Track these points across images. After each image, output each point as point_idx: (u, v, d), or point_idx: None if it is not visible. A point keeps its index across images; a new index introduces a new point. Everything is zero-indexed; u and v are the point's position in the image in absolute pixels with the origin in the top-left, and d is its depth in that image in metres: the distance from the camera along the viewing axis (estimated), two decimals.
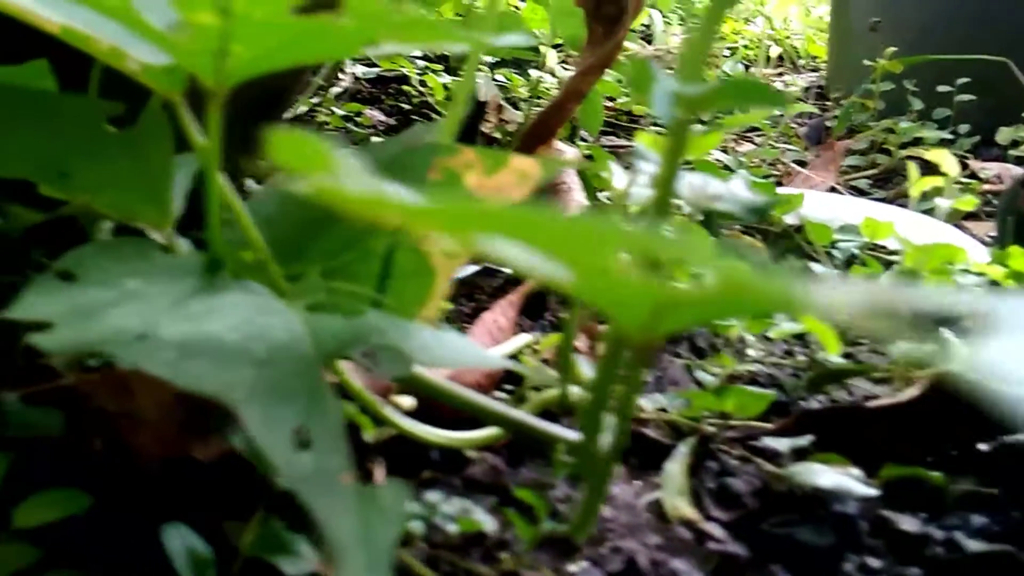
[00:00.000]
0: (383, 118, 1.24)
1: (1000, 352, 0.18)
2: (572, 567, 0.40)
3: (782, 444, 0.48)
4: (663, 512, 0.44)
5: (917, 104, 1.34)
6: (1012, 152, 1.31)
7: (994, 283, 0.67)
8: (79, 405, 0.39)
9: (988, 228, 1.02)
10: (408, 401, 0.42)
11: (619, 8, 0.69)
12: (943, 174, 0.89)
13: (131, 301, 0.33)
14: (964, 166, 1.22)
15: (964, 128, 1.33)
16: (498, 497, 0.44)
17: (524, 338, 0.52)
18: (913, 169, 0.76)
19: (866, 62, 1.36)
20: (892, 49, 1.32)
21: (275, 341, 0.32)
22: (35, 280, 0.33)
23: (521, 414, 0.38)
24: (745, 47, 1.94)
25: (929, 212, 1.05)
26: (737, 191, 0.35)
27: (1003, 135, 1.35)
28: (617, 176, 0.45)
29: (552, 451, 0.47)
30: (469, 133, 0.94)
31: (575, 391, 0.43)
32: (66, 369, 0.44)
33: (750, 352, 0.64)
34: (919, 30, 1.42)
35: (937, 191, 1.04)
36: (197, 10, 0.29)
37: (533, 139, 0.82)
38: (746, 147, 1.37)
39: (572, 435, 0.37)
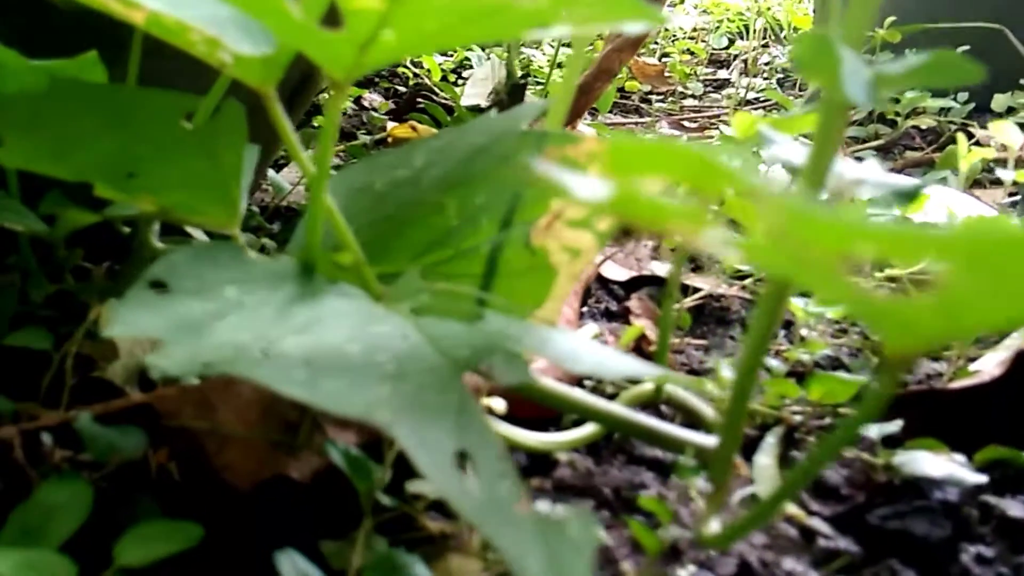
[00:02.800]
0: (382, 100, 1.20)
1: None
2: (682, 572, 0.39)
3: (872, 431, 0.46)
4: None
5: None
6: (1009, 118, 1.30)
7: None
8: (158, 424, 0.37)
9: (994, 195, 1.01)
10: (500, 405, 0.39)
11: None
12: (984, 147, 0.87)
13: (235, 312, 0.30)
14: (970, 135, 1.22)
15: (962, 96, 1.32)
16: (593, 499, 0.42)
17: (592, 328, 0.50)
18: (963, 142, 0.74)
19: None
20: (891, 18, 1.31)
21: (398, 352, 0.29)
22: (129, 293, 0.30)
23: (641, 417, 0.36)
24: (729, 20, 1.92)
25: (943, 181, 1.04)
26: (879, 175, 0.33)
27: (998, 102, 1.35)
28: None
29: (640, 449, 0.45)
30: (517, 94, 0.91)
31: (670, 388, 0.41)
32: (127, 384, 0.41)
33: (803, 332, 0.62)
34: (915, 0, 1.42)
35: (951, 160, 1.03)
36: None
37: (590, 86, 0.78)
38: None
39: (700, 438, 0.35)
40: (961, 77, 0.29)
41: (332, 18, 0.28)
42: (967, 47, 1.31)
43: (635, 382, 0.44)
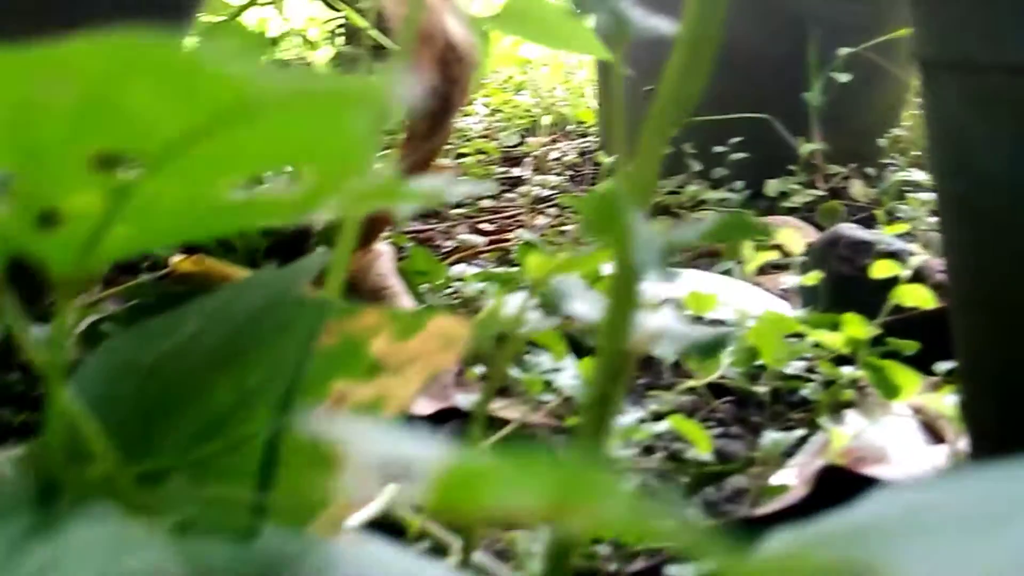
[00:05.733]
0: None
1: None
2: None
3: (686, 572, 0.45)
4: None
5: (695, 166, 1.40)
6: (782, 204, 1.39)
7: (838, 357, 0.68)
8: None
9: (776, 281, 1.06)
10: None
11: (445, 103, 0.66)
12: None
13: None
14: None
15: (739, 185, 1.39)
16: None
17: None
18: (748, 247, 0.77)
19: None
20: None
21: None
22: None
23: None
24: (518, 117, 1.97)
25: (727, 272, 1.09)
26: (679, 327, 0.32)
27: (771, 187, 1.43)
28: (510, 301, 0.41)
29: None
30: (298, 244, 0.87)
31: None
32: None
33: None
34: None
35: (735, 251, 1.08)
36: (74, 191, 0.22)
37: (356, 242, 0.76)
38: (540, 220, 1.38)
39: None
40: (747, 235, 0.28)
41: None
42: (739, 138, 1.39)
43: None
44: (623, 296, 0.28)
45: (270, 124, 0.16)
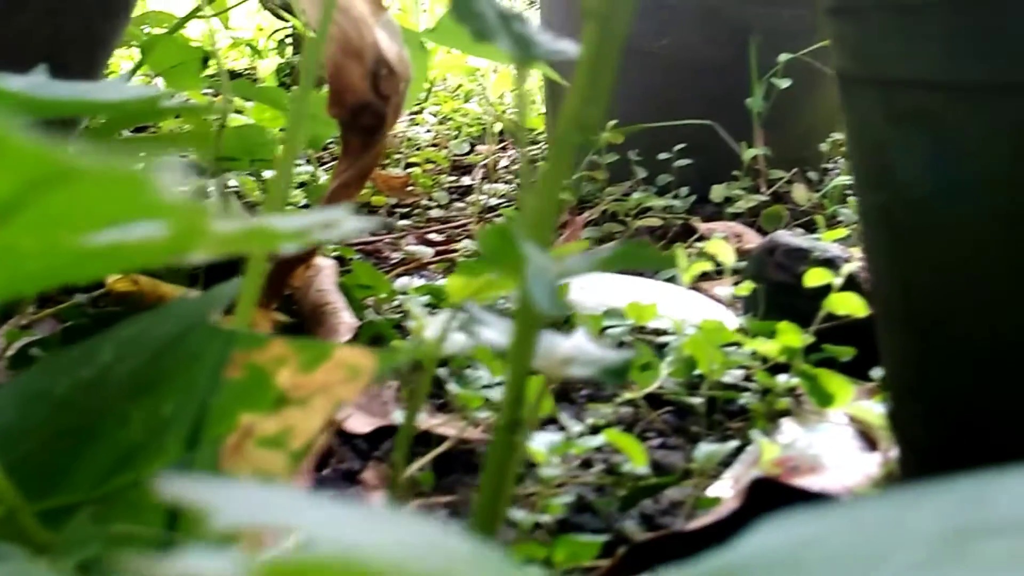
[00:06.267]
0: None
1: None
2: None
3: None
4: None
5: (641, 172, 1.41)
6: (727, 209, 1.40)
7: (775, 365, 0.69)
8: None
9: (719, 286, 1.07)
10: None
11: (377, 118, 0.65)
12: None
13: None
14: (692, 231, 1.29)
15: (684, 191, 1.40)
16: None
17: None
18: (682, 256, 0.77)
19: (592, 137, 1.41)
20: (613, 122, 1.38)
21: None
22: None
23: None
24: (468, 125, 1.97)
25: (671, 280, 1.09)
26: (590, 350, 0.32)
27: (716, 192, 1.44)
28: (430, 324, 0.41)
29: None
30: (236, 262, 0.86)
31: None
32: None
33: (547, 472, 0.61)
34: (633, 101, 1.50)
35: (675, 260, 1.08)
36: None
37: (294, 259, 0.76)
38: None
39: None
40: (645, 264, 0.28)
41: None
42: (684, 144, 1.40)
43: None
44: (526, 324, 0.28)
45: (83, 189, 0.16)
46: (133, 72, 1.14)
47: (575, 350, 0.32)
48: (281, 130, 1.46)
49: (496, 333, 0.32)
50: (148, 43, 1.11)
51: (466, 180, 1.71)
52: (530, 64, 0.31)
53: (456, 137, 1.91)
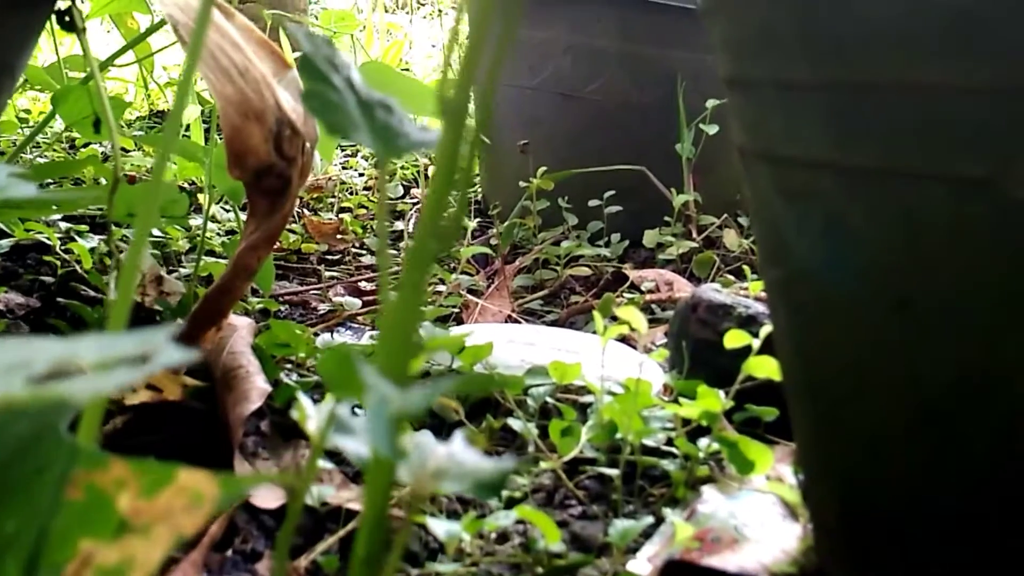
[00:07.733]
0: (22, 300, 1.07)
1: None
2: None
3: None
4: None
5: (572, 219, 1.40)
6: (659, 255, 1.39)
7: (698, 428, 0.67)
8: None
9: (650, 337, 1.06)
10: None
11: (282, 180, 0.63)
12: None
13: None
14: (624, 278, 1.28)
15: (616, 237, 1.40)
16: None
17: None
18: (599, 321, 0.76)
19: (522, 183, 1.41)
20: (543, 168, 1.38)
21: None
22: None
23: None
24: (403, 168, 1.95)
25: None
26: (465, 460, 0.30)
27: (648, 238, 1.43)
28: (311, 416, 0.38)
29: None
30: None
31: None
32: None
33: (449, 568, 0.58)
34: (564, 146, 1.50)
35: (607, 308, 1.07)
36: None
37: (204, 322, 0.73)
38: None
39: None
40: (482, 388, 0.27)
41: None
42: (614, 191, 1.39)
43: None
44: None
45: None
46: (43, 125, 1.10)
47: (449, 461, 0.30)
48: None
49: (355, 444, 0.29)
50: (61, 94, 1.07)
51: (399, 225, 1.69)
52: (395, 155, 0.30)
53: (390, 181, 1.89)
